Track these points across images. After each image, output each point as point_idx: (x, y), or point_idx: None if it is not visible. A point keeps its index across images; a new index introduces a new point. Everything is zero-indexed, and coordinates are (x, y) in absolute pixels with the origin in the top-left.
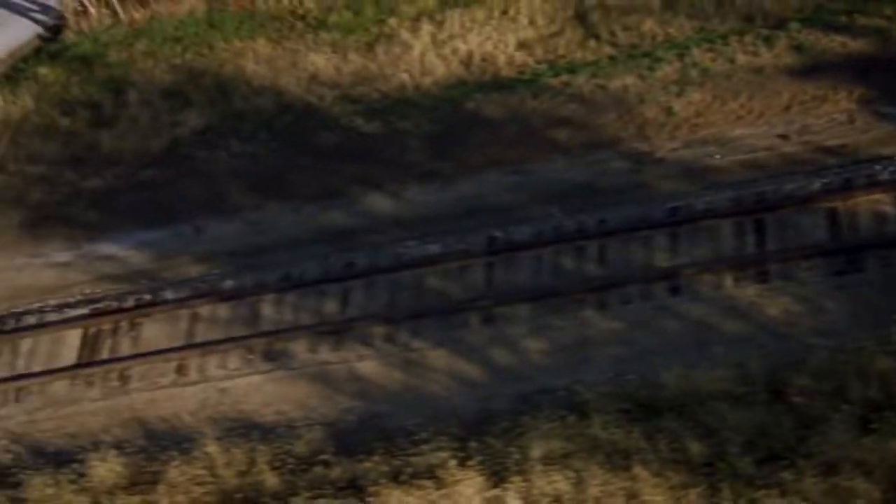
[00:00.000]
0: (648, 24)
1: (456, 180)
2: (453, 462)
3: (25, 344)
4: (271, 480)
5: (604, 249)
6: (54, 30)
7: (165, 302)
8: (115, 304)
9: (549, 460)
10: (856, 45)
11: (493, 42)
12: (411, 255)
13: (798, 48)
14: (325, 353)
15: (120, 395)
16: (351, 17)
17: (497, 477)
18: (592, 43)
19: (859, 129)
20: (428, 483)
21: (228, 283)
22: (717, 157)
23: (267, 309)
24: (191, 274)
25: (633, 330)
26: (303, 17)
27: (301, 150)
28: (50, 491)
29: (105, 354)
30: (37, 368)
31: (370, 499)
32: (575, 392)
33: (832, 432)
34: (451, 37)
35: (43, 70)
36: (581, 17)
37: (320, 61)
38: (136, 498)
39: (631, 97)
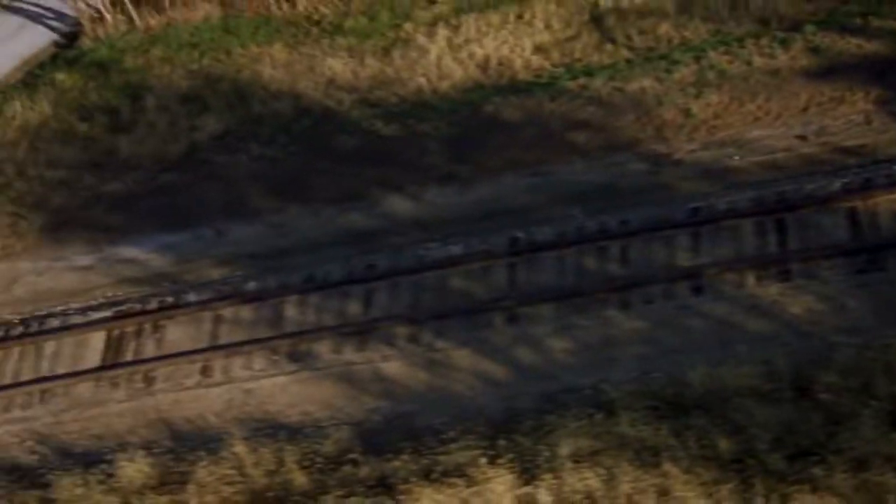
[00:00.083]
0: (664, 28)
1: (475, 182)
2: (483, 460)
3: (49, 347)
4: (300, 479)
5: (626, 250)
6: (71, 36)
7: (188, 304)
8: (138, 307)
9: (578, 458)
10: (871, 46)
11: (509, 46)
12: (433, 257)
13: (814, 50)
14: (350, 354)
15: (145, 396)
16: (366, 23)
17: (527, 474)
18: (609, 46)
19: (877, 129)
20: (458, 481)
21: (251, 285)
22: (736, 158)
23: (290, 310)
24: (213, 276)
25: (656, 329)
26: (318, 23)
27: (320, 153)
28: (79, 491)
29: (129, 356)
30: (61, 370)
31: (401, 497)
32: (601, 390)
33: (861, 428)
34: (468, 41)
35: (60, 76)
36: (597, 21)
37: (337, 66)
38: (166, 498)
39: (649, 99)
